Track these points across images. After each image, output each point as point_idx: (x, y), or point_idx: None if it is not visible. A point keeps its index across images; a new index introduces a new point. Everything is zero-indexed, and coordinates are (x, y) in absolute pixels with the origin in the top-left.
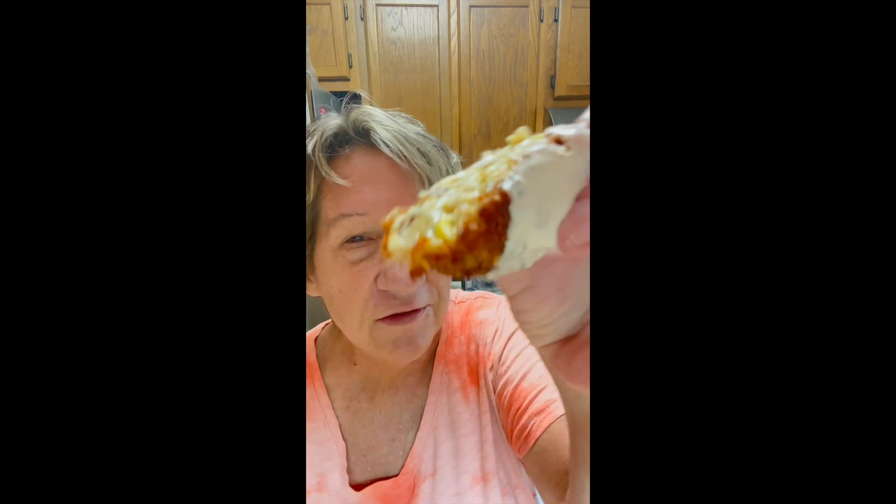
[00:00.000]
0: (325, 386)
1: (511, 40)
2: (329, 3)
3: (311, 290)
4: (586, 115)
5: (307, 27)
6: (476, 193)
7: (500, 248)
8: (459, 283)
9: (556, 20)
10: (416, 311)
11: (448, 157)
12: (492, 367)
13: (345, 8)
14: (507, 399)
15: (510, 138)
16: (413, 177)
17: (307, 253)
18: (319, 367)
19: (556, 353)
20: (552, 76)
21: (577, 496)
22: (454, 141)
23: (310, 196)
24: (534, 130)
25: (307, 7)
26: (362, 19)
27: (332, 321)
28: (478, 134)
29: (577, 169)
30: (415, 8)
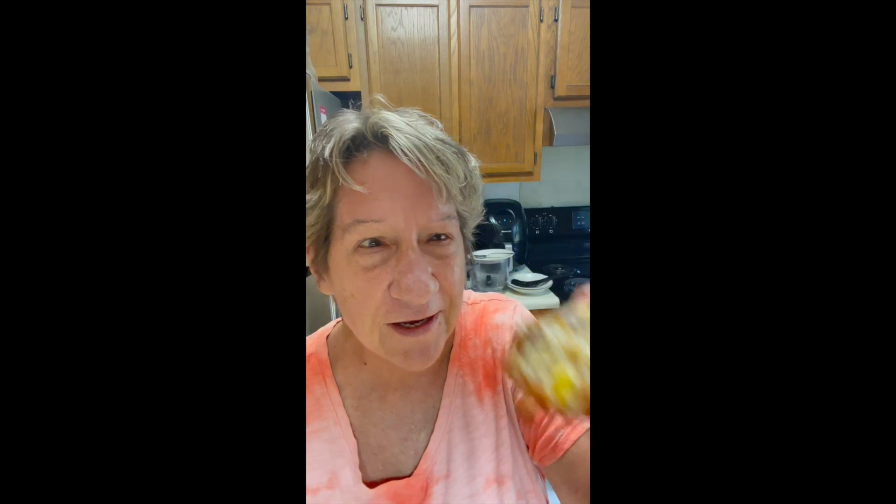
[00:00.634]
0: (337, 383)
1: (511, 40)
2: (329, 3)
3: (325, 289)
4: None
5: (307, 27)
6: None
7: None
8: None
9: (556, 20)
10: (429, 320)
11: (467, 162)
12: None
13: (345, 8)
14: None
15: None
16: (430, 185)
17: (321, 254)
18: (331, 365)
19: None
20: (552, 76)
21: None
22: (454, 141)
23: (325, 198)
24: (534, 130)
25: (307, 7)
26: (362, 19)
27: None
28: (478, 134)
29: None
30: (415, 8)
